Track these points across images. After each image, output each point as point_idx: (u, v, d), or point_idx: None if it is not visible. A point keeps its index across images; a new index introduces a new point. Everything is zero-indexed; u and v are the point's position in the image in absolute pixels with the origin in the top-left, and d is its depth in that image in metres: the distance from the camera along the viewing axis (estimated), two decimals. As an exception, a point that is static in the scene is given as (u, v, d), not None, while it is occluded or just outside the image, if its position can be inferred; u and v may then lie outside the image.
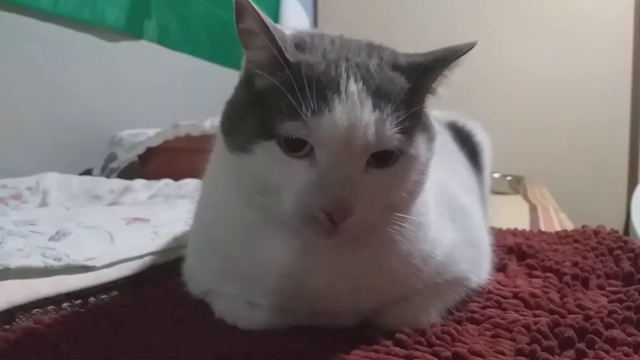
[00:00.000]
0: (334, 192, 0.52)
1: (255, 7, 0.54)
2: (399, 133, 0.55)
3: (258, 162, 0.56)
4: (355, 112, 0.52)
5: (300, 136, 0.53)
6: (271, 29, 0.54)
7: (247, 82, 0.60)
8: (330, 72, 0.54)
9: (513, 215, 1.82)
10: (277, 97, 0.54)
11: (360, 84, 0.54)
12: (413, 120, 0.57)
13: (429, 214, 0.66)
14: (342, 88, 0.53)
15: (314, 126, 0.52)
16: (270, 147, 0.54)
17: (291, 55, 0.55)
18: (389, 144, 0.54)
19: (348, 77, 0.54)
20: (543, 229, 1.44)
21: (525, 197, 2.38)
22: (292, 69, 0.54)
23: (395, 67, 0.58)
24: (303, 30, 0.63)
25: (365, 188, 0.54)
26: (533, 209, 2.00)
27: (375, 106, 0.53)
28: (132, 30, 2.30)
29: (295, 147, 0.54)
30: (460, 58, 0.58)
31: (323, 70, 0.54)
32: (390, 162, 0.56)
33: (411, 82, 0.57)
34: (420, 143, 0.58)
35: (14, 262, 0.72)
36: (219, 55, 2.66)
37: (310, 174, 0.53)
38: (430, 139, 0.60)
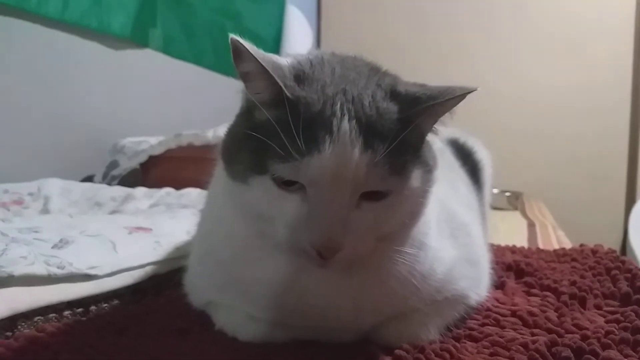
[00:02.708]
0: (322, 230, 0.53)
1: (251, 49, 0.54)
2: (392, 174, 0.54)
3: (253, 194, 0.57)
4: (346, 152, 0.52)
5: (291, 178, 0.54)
6: (270, 70, 0.54)
7: (247, 113, 0.60)
8: (325, 111, 0.54)
9: (511, 231, 1.83)
10: (272, 134, 0.54)
11: (354, 122, 0.53)
12: (408, 157, 0.56)
13: (430, 233, 0.67)
14: (335, 128, 0.53)
15: (303, 167, 0.52)
16: (264, 181, 0.55)
17: (291, 90, 0.55)
18: (380, 185, 0.54)
19: (342, 115, 0.53)
20: (541, 245, 1.44)
21: (524, 214, 2.39)
22: (291, 105, 0.54)
23: (393, 96, 0.57)
24: (303, 57, 0.62)
25: (356, 223, 0.54)
26: (531, 226, 2.00)
27: (368, 146, 0.53)
28: (137, 38, 2.31)
29: (288, 182, 0.54)
30: (455, 99, 0.57)
31: (319, 110, 0.54)
32: (383, 194, 0.55)
33: (403, 113, 0.56)
34: (415, 178, 0.57)
35: (18, 270, 0.72)
36: (223, 65, 2.67)
37: (301, 209, 0.54)
38: (429, 171, 0.60)
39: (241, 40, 0.55)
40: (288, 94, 0.54)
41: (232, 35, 0.55)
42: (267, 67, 0.55)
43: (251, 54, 0.54)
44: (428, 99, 0.56)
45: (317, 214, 0.53)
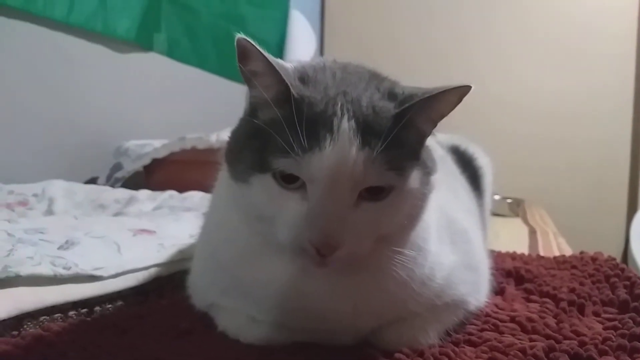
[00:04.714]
0: (321, 227, 0.54)
1: (260, 48, 0.56)
2: (390, 170, 0.56)
3: (254, 193, 0.58)
4: (344, 150, 0.54)
5: (292, 172, 0.55)
6: (278, 69, 0.56)
7: (250, 114, 0.61)
8: (327, 110, 0.56)
9: (512, 238, 1.84)
10: (275, 132, 0.55)
11: (352, 121, 0.55)
12: (406, 156, 0.58)
13: (430, 239, 0.68)
14: (335, 127, 0.54)
15: (304, 164, 0.54)
16: (265, 180, 0.57)
17: (297, 90, 0.57)
18: (378, 180, 0.56)
19: (342, 115, 0.55)
20: (542, 252, 1.45)
21: (525, 221, 2.39)
22: (296, 104, 0.56)
23: (390, 96, 0.59)
24: (305, 62, 0.64)
25: (355, 222, 0.55)
26: (532, 233, 2.01)
27: (365, 143, 0.54)
28: (142, 42, 2.33)
29: (289, 179, 0.56)
30: (448, 94, 0.58)
31: (321, 110, 0.56)
32: (382, 195, 0.57)
33: (398, 110, 0.57)
34: (414, 178, 0.59)
35: (25, 270, 0.73)
36: (227, 69, 2.70)
37: (301, 207, 0.55)
38: (428, 173, 0.61)
39: (248, 39, 0.56)
40: (294, 93, 0.56)
41: (238, 35, 0.56)
42: (275, 66, 0.56)
43: (260, 52, 0.56)
44: (422, 94, 0.58)
45: (316, 211, 0.54)
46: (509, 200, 2.69)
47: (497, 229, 1.82)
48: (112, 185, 1.94)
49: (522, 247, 1.54)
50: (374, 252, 0.59)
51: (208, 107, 2.59)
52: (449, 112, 0.60)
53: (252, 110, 0.61)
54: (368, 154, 0.54)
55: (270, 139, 0.56)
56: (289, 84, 0.56)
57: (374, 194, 0.57)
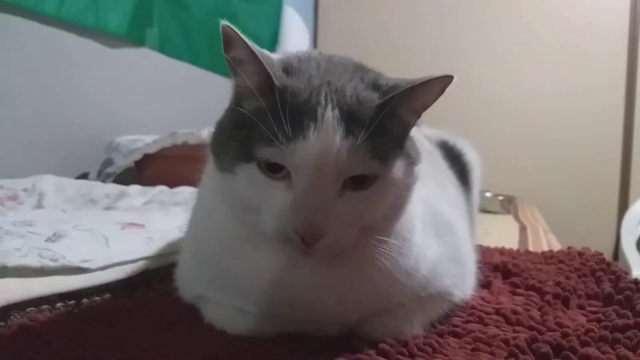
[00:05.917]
0: (305, 215, 0.54)
1: (243, 36, 0.56)
2: (373, 158, 0.56)
3: (240, 183, 0.58)
4: (328, 139, 0.54)
5: (277, 161, 0.55)
6: (260, 57, 0.57)
7: (235, 105, 0.62)
8: (310, 99, 0.56)
9: (503, 234, 1.85)
10: (260, 121, 0.56)
11: (336, 110, 0.56)
12: (389, 145, 0.59)
13: (414, 230, 0.68)
14: (319, 116, 0.55)
15: (289, 152, 0.54)
16: (250, 169, 0.57)
17: (279, 80, 0.57)
18: (362, 169, 0.56)
19: (326, 104, 0.56)
20: (531, 248, 1.46)
21: (516, 217, 2.41)
22: (279, 93, 0.56)
23: (374, 87, 0.60)
24: (291, 53, 0.65)
25: (340, 211, 0.56)
26: (523, 229, 2.02)
27: (349, 132, 0.55)
28: (133, 37, 2.32)
29: (275, 169, 0.56)
30: (430, 84, 0.58)
31: (305, 99, 0.56)
32: (366, 185, 0.57)
33: (382, 100, 0.58)
34: (398, 168, 0.60)
35: (12, 261, 0.74)
36: (219, 65, 2.69)
37: (286, 196, 0.56)
38: (411, 164, 0.62)
39: (232, 27, 0.56)
40: (277, 83, 0.57)
41: (223, 22, 0.57)
42: (257, 54, 0.57)
43: (243, 40, 0.57)
44: (405, 85, 0.58)
45: (301, 200, 0.55)
46: (500, 197, 2.70)
47: (488, 225, 1.84)
48: (103, 181, 1.94)
49: (512, 243, 1.55)
50: (358, 243, 0.59)
51: (199, 103, 2.58)
52: (432, 102, 0.61)
53: (237, 100, 0.62)
54: (352, 142, 0.55)
55: (255, 128, 0.56)
56: (272, 74, 0.57)
57: (358, 183, 0.57)
